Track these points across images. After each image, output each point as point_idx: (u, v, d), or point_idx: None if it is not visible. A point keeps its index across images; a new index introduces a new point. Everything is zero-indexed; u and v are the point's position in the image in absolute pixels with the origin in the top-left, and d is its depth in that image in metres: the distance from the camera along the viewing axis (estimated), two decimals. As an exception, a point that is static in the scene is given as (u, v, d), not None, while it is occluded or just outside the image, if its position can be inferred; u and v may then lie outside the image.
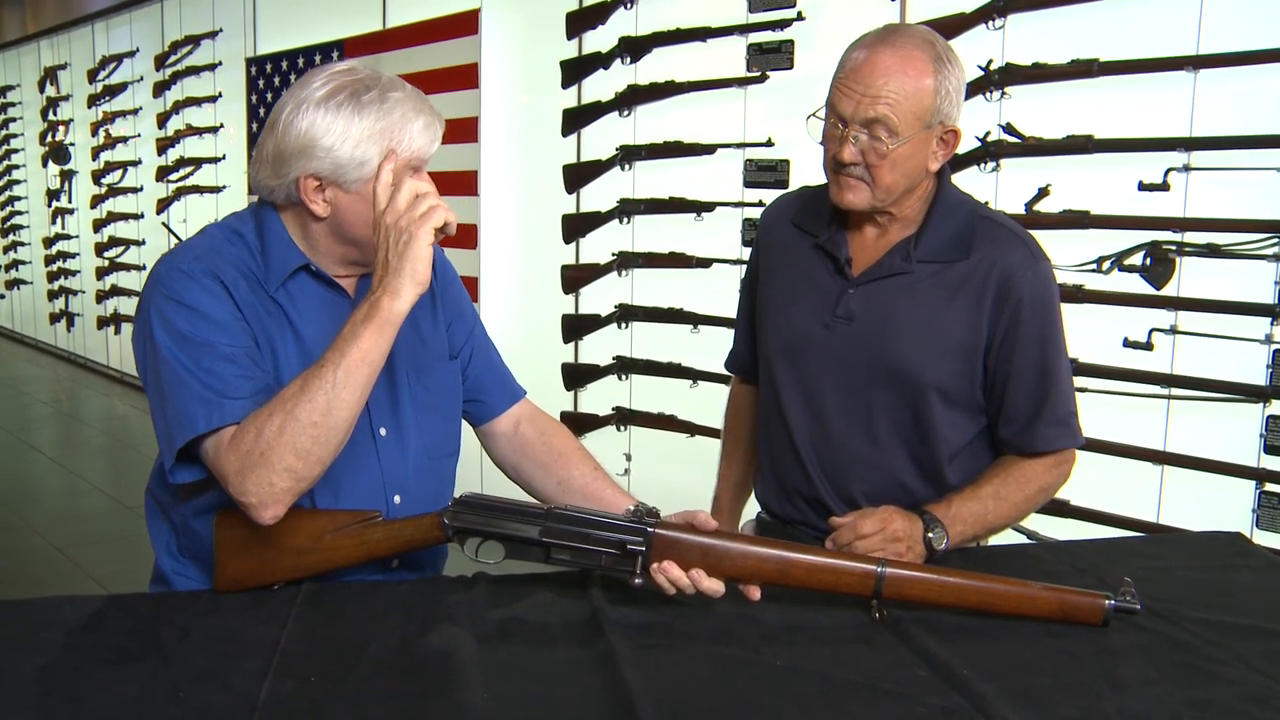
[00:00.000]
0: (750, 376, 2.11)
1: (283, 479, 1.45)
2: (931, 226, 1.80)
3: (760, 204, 3.65)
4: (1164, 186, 2.78)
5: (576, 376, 4.55)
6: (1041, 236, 2.95)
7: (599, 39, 4.33)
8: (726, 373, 2.22)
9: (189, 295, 1.53)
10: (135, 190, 8.57)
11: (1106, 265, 2.87)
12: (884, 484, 1.85)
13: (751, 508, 2.15)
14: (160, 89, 7.94)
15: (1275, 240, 2.64)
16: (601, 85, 4.33)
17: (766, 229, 2.02)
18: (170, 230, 7.78)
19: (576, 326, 4.50)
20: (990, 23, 3.10)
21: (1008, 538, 2.98)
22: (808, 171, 3.50)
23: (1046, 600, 1.49)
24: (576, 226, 4.45)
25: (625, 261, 4.25)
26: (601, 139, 4.37)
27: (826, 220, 1.87)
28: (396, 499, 1.68)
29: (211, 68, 7.42)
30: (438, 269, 1.84)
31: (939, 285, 1.78)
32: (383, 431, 1.67)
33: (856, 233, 1.85)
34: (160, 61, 7.91)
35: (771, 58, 3.71)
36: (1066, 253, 2.94)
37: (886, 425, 1.83)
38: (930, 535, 1.68)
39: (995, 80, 3.07)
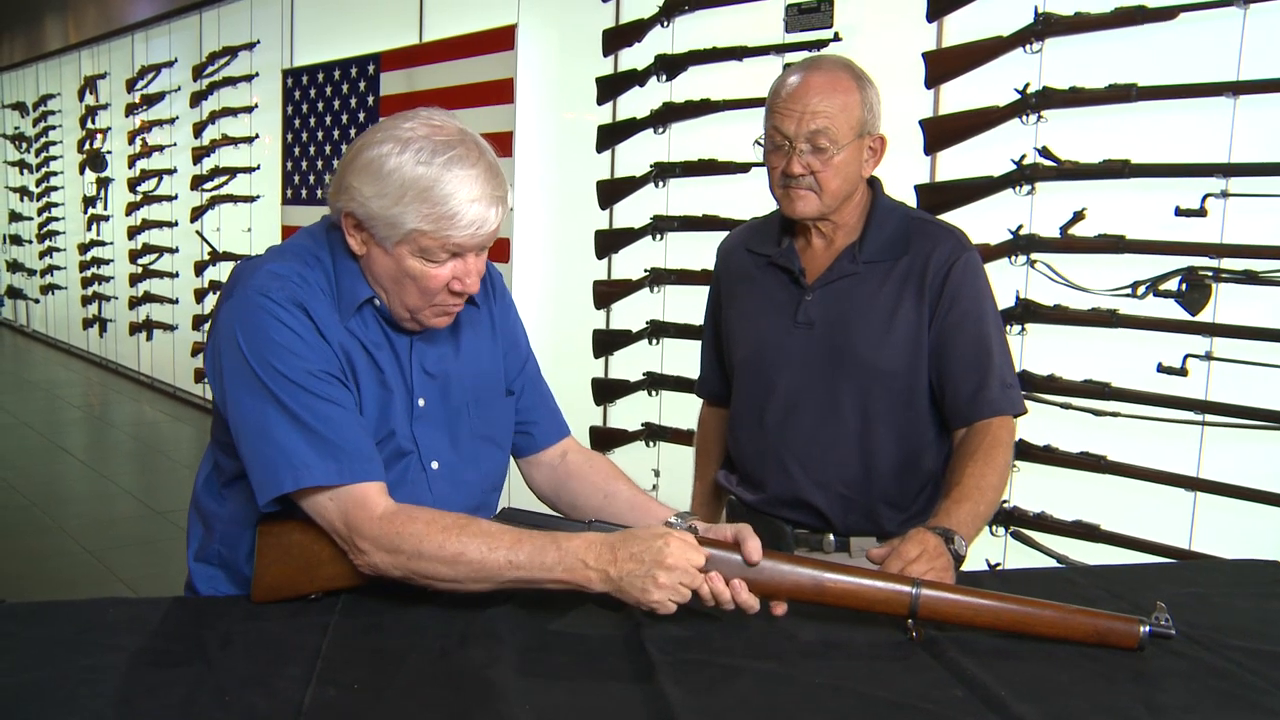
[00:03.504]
0: (717, 400, 2.31)
1: (397, 571, 1.50)
2: (871, 231, 2.01)
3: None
4: (1201, 212, 2.77)
5: (606, 391, 4.57)
6: (1076, 260, 2.98)
7: (635, 56, 4.36)
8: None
9: (280, 333, 1.52)
10: (170, 198, 8.67)
11: (1142, 290, 2.86)
12: (857, 468, 2.01)
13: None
14: (197, 99, 8.04)
15: (1313, 268, 2.63)
16: (637, 102, 4.36)
17: (723, 260, 2.24)
18: (204, 238, 7.86)
19: (607, 342, 4.52)
20: (1028, 46, 3.10)
21: (1041, 561, 2.98)
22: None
23: (1081, 623, 1.49)
24: (609, 242, 4.48)
25: (657, 278, 4.26)
26: (636, 156, 4.39)
27: (776, 240, 2.09)
28: None
29: (248, 79, 7.51)
30: (497, 293, 1.84)
31: (886, 282, 1.99)
32: (434, 465, 1.67)
33: (805, 246, 2.06)
34: (198, 72, 8.01)
35: (807, 78, 3.72)
36: (1101, 277, 2.94)
37: (855, 413, 2.00)
38: (952, 547, 1.70)
39: (1032, 104, 3.07)
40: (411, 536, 1.47)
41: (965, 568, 1.95)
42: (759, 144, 2.01)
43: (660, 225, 4.25)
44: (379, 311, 1.64)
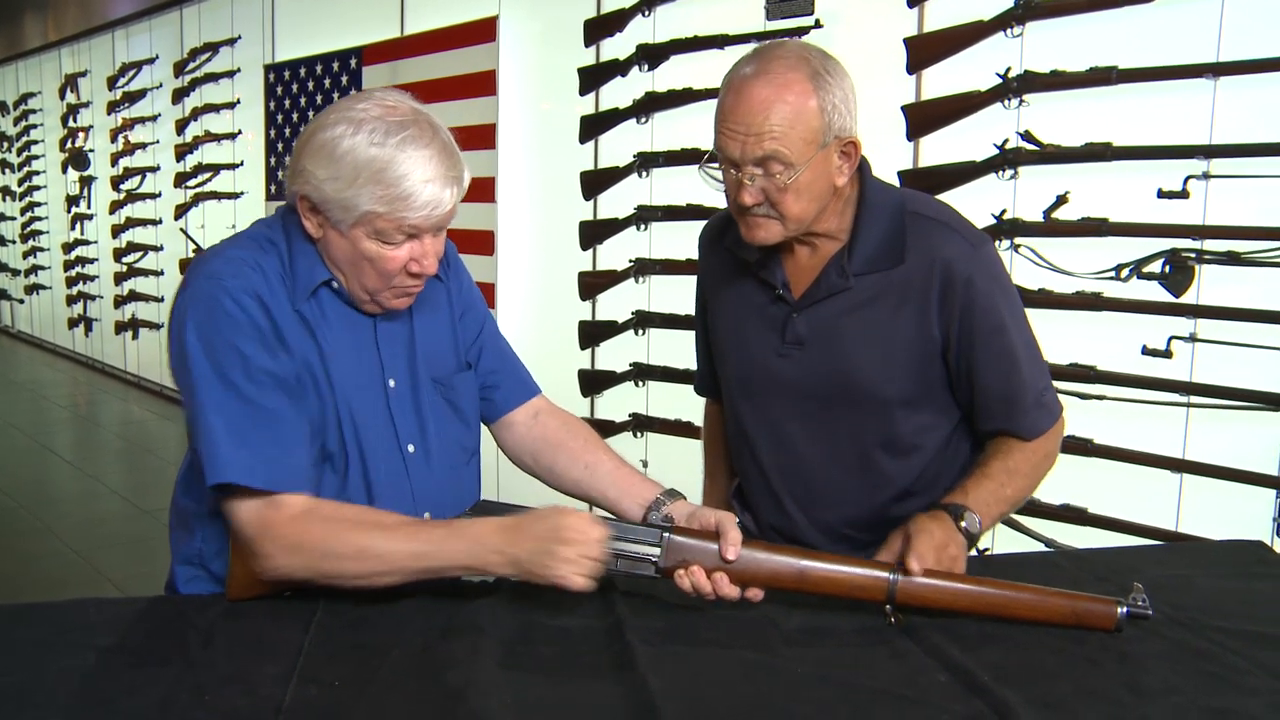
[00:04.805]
0: (718, 396, 2.07)
1: (303, 573, 1.50)
2: (861, 236, 1.74)
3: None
4: (1183, 194, 2.77)
5: (593, 383, 4.56)
6: (1060, 244, 2.98)
7: (617, 46, 4.34)
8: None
9: (232, 330, 1.51)
10: (154, 196, 8.62)
11: (1125, 273, 2.86)
12: (861, 507, 1.83)
13: None
14: (179, 95, 7.99)
15: (1295, 248, 2.63)
16: (619, 92, 4.34)
17: (705, 253, 2.00)
18: (188, 236, 7.82)
19: (593, 333, 4.51)
20: (1009, 30, 3.09)
21: (1028, 545, 2.98)
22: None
23: (1058, 606, 1.49)
24: (594, 233, 4.46)
25: (642, 268, 4.25)
26: (619, 146, 4.37)
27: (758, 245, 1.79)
28: (426, 515, 1.67)
29: (230, 74, 7.46)
30: (451, 265, 1.81)
31: (881, 296, 1.73)
32: (410, 448, 1.67)
33: (789, 254, 1.80)
34: (179, 68, 7.96)
35: (789, 65, 3.70)
36: (1085, 260, 2.94)
37: (854, 447, 1.80)
38: (963, 525, 1.62)
39: (1013, 88, 3.07)
40: (317, 536, 1.47)
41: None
42: (708, 168, 1.71)
43: (644, 215, 4.23)
44: (339, 294, 1.63)
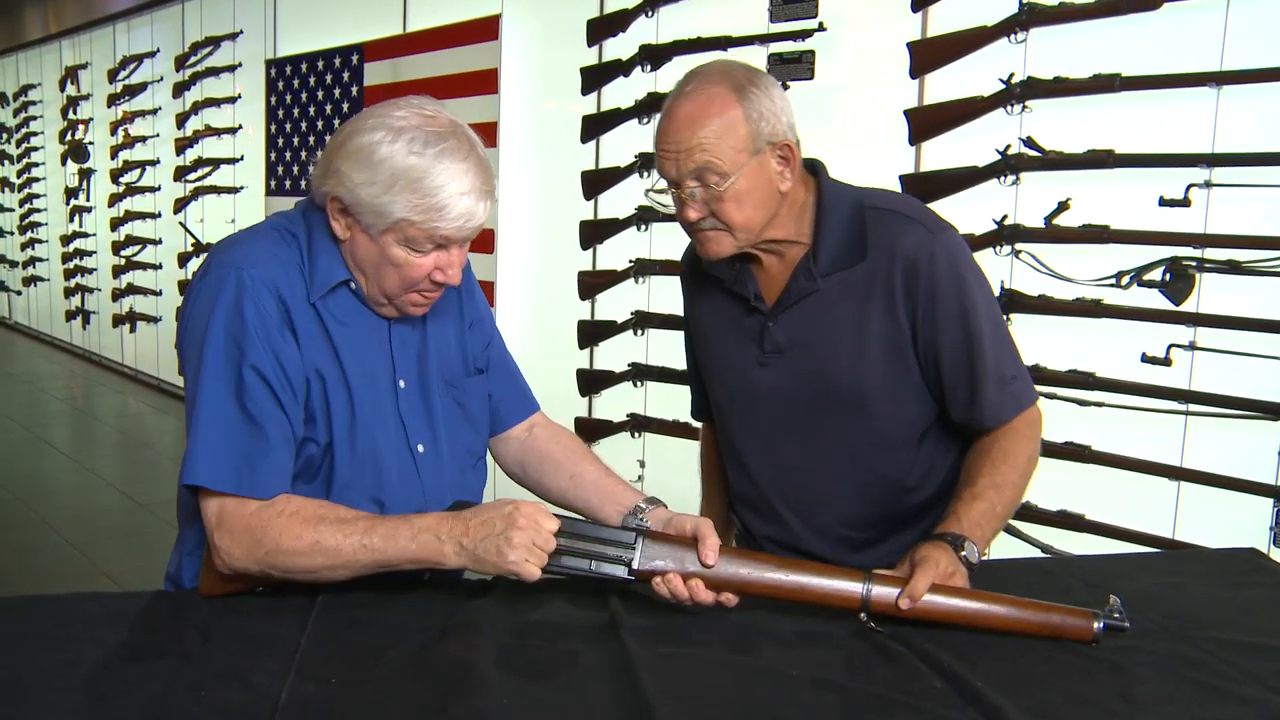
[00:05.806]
0: (712, 418, 2.09)
1: (255, 566, 1.50)
2: (823, 236, 1.76)
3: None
4: (1185, 202, 2.77)
5: (591, 382, 4.56)
6: (1061, 250, 2.98)
7: (619, 46, 4.34)
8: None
9: (240, 327, 1.52)
10: (153, 190, 8.62)
11: (1126, 280, 2.87)
12: (857, 506, 1.84)
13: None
14: (180, 89, 7.99)
15: (1295, 258, 2.64)
16: (621, 92, 4.34)
17: (685, 279, 2.04)
18: (187, 230, 7.82)
19: (592, 333, 4.51)
20: (1012, 36, 3.09)
21: (1023, 550, 2.98)
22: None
23: (1035, 618, 1.48)
24: (594, 233, 4.46)
25: (642, 268, 4.25)
26: (620, 146, 4.37)
27: (728, 261, 1.82)
28: None
29: (231, 69, 7.47)
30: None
31: (849, 293, 1.76)
32: (420, 448, 1.67)
33: (758, 266, 1.83)
34: (180, 62, 7.96)
35: (792, 68, 3.71)
36: (1086, 267, 2.95)
37: (842, 446, 1.82)
38: (963, 554, 1.60)
39: (1016, 94, 3.07)
40: (272, 530, 1.48)
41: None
42: (655, 191, 1.75)
43: (645, 216, 4.23)
44: (355, 294, 1.63)
